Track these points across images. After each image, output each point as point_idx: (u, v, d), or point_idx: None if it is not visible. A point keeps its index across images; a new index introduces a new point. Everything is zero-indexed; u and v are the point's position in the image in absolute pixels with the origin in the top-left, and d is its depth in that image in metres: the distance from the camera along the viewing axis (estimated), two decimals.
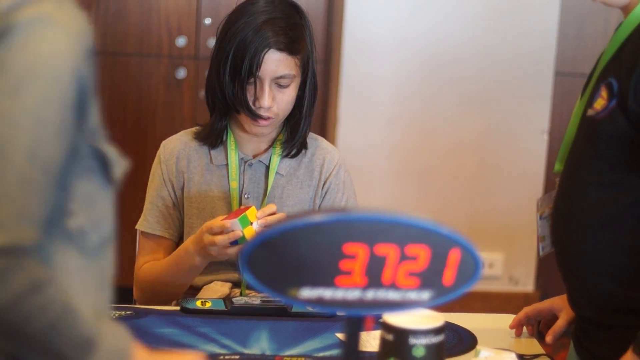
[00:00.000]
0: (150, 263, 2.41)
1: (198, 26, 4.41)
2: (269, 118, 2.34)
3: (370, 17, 4.08)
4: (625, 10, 2.04)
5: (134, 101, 4.47)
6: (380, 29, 4.09)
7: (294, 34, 2.33)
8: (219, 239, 2.19)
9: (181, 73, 4.42)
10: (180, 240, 2.45)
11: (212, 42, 3.73)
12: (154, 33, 4.42)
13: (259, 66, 2.29)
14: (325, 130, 4.32)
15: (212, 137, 2.41)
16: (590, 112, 2.01)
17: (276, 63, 2.30)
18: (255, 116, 2.33)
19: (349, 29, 4.08)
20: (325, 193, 2.44)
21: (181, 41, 4.42)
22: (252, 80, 2.31)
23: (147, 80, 4.46)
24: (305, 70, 2.37)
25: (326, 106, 4.38)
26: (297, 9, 2.39)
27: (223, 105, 2.37)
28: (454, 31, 4.09)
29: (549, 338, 2.20)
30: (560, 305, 2.22)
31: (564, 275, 2.11)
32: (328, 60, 4.40)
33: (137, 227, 2.45)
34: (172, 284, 2.36)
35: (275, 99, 2.32)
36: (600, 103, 1.97)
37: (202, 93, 4.27)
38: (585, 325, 2.09)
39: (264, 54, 2.29)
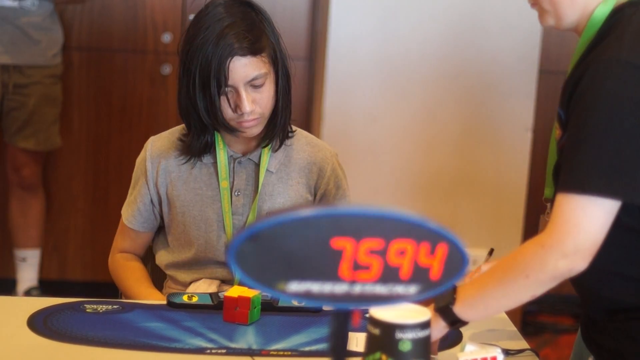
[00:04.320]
0: (118, 262, 2.50)
1: (183, 22, 4.41)
2: (254, 119, 2.31)
3: (355, 14, 4.09)
4: (577, 31, 1.97)
5: (120, 97, 4.47)
6: (365, 25, 4.10)
7: (254, 34, 2.28)
8: None
9: (166, 69, 4.42)
10: (157, 232, 2.50)
11: None
12: (140, 29, 4.42)
13: (227, 77, 2.25)
14: (310, 126, 4.33)
15: (193, 153, 2.39)
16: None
17: (244, 68, 2.26)
18: (233, 131, 2.32)
19: (334, 25, 4.09)
20: (323, 194, 2.44)
21: (166, 37, 4.42)
22: (226, 90, 2.28)
23: (133, 76, 4.46)
24: (276, 62, 2.33)
25: (311, 102, 4.39)
26: (251, 6, 2.34)
27: (199, 124, 2.34)
28: (439, 28, 4.10)
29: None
30: None
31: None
32: (313, 56, 4.41)
33: (122, 211, 2.50)
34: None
35: (255, 101, 2.29)
36: (557, 133, 1.95)
37: None
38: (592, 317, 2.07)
39: (229, 63, 2.25)
